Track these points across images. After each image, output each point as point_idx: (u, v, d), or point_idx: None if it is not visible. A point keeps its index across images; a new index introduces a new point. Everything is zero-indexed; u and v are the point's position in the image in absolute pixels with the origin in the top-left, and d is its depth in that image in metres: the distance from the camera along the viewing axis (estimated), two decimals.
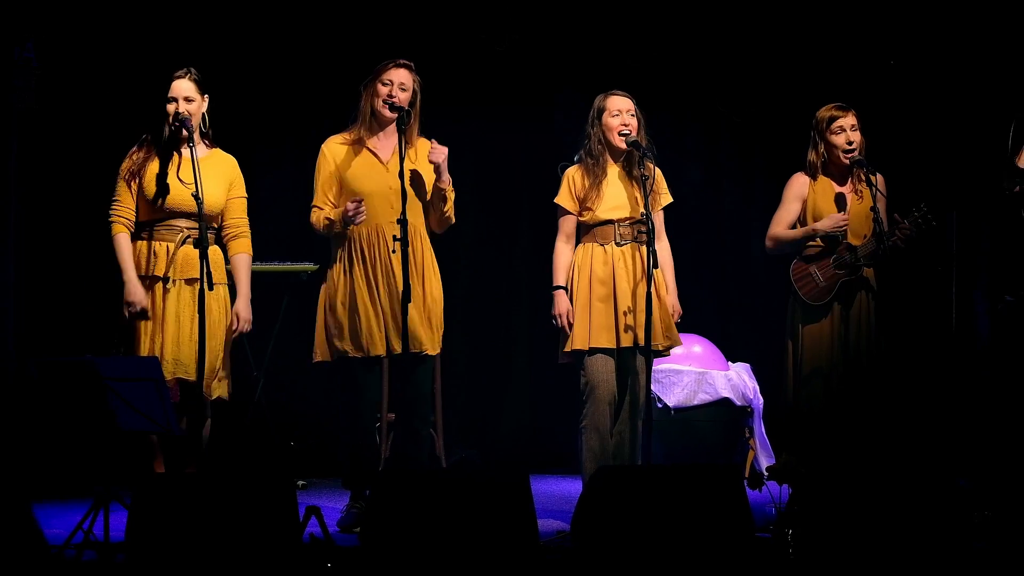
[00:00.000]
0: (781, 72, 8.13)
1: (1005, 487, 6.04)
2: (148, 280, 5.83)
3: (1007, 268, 6.56)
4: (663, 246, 6.27)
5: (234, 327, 5.92)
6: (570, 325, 6.11)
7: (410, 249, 5.84)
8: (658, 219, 6.25)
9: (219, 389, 5.91)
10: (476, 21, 7.98)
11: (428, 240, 6.08)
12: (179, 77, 5.88)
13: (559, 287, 6.15)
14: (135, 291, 5.79)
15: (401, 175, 5.76)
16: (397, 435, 6.22)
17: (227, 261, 6.05)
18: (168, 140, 5.87)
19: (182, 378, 5.79)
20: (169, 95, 5.85)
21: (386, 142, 6.05)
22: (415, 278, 5.91)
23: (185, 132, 5.75)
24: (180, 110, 5.82)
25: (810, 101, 6.62)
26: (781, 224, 6.42)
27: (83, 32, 7.25)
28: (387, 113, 5.98)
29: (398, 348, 5.90)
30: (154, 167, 5.86)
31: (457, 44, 7.96)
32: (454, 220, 6.15)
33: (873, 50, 7.90)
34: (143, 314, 5.80)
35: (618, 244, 6.12)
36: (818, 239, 6.33)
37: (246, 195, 6.05)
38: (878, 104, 7.32)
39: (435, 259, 6.11)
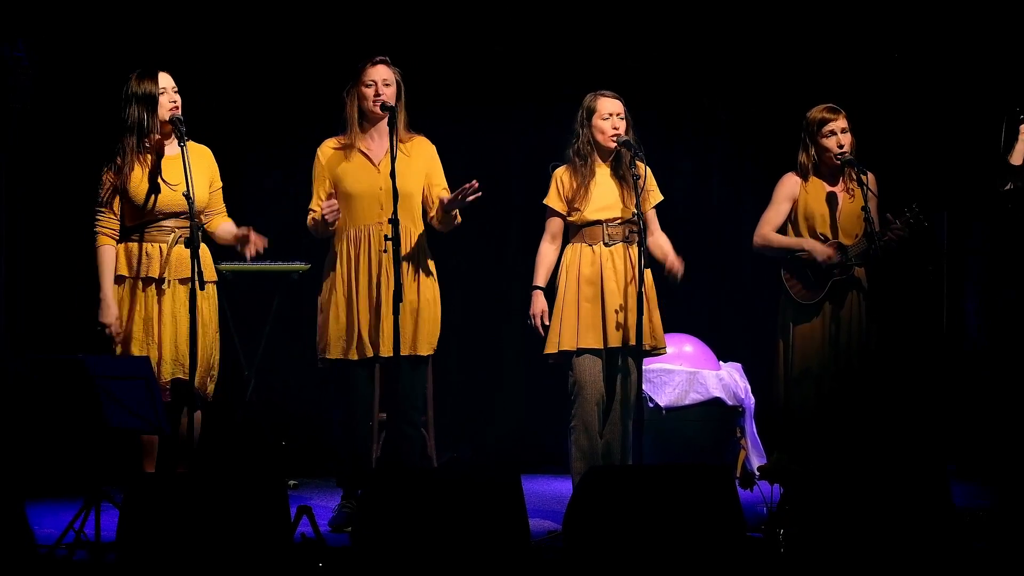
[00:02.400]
0: (772, 70, 8.13)
1: (1002, 486, 6.06)
2: (142, 281, 5.82)
3: (1003, 266, 6.57)
4: (660, 239, 6.27)
5: (253, 243, 5.88)
6: (544, 327, 6.12)
7: (400, 250, 5.81)
8: (651, 216, 6.26)
9: (212, 386, 5.93)
10: (473, 21, 7.97)
11: (422, 240, 6.07)
12: (160, 71, 5.85)
13: (537, 287, 6.17)
14: (109, 312, 5.80)
15: (393, 175, 5.76)
16: (388, 436, 6.22)
17: (217, 259, 6.05)
18: (158, 137, 5.85)
19: (177, 378, 5.78)
20: (159, 88, 5.82)
21: (379, 142, 6.04)
22: (403, 279, 5.89)
23: (176, 130, 5.75)
24: (172, 99, 5.81)
25: (802, 99, 6.62)
26: (770, 224, 6.41)
27: (78, 32, 7.25)
28: (379, 111, 5.97)
29: (384, 350, 5.90)
30: (138, 172, 5.84)
31: (453, 44, 7.96)
32: (460, 220, 6.14)
33: (864, 48, 7.91)
34: (114, 335, 5.80)
35: (606, 244, 6.13)
36: (804, 254, 6.32)
37: (221, 184, 6.06)
38: (869, 103, 7.33)
39: (430, 260, 6.10)
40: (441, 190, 6.10)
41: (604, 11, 8.09)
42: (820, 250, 6.26)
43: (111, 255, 5.86)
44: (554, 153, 6.41)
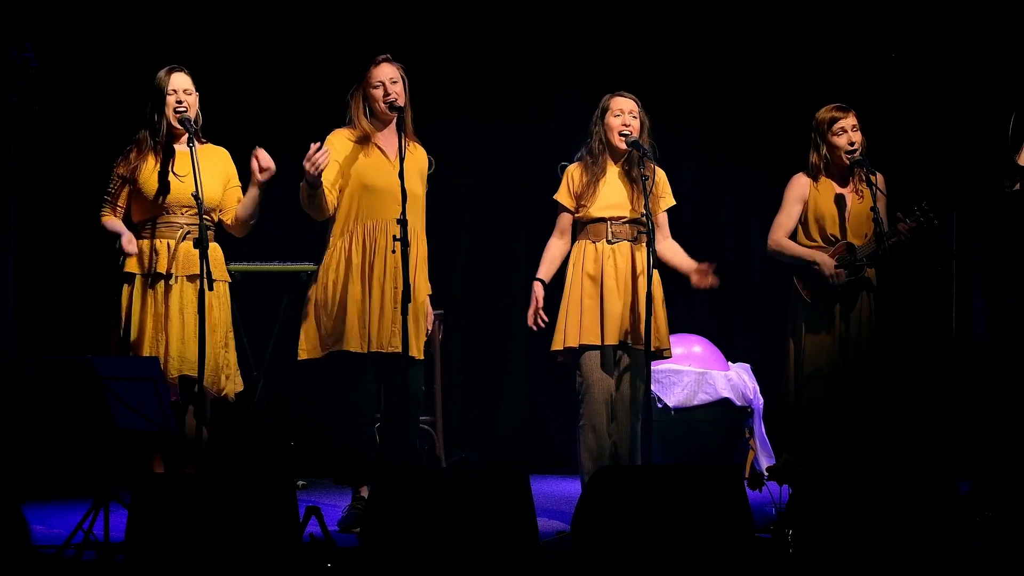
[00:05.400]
0: (778, 71, 8.13)
1: (1005, 487, 6.04)
2: (152, 278, 5.83)
3: (1007, 269, 6.55)
4: (670, 243, 6.29)
5: (259, 164, 5.83)
6: (542, 320, 6.13)
7: (409, 251, 5.81)
8: (662, 220, 6.26)
9: (229, 386, 5.92)
10: (474, 20, 7.98)
11: (424, 243, 6.07)
12: (175, 71, 5.87)
13: (536, 279, 6.19)
14: (129, 241, 5.77)
15: (401, 175, 5.75)
16: (385, 438, 6.20)
17: (229, 259, 6.05)
18: (166, 137, 5.87)
19: (186, 375, 5.78)
20: (169, 88, 5.84)
21: (391, 139, 6.00)
22: (412, 280, 5.87)
23: (186, 131, 5.75)
24: (180, 100, 5.82)
25: (808, 100, 6.62)
26: (783, 228, 6.40)
27: (81, 32, 7.26)
28: (389, 112, 5.96)
29: (388, 347, 5.89)
30: (150, 166, 5.86)
31: (454, 43, 7.97)
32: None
33: (871, 48, 7.90)
34: (134, 254, 5.78)
35: (609, 242, 6.13)
36: (819, 241, 6.33)
37: (240, 184, 6.06)
38: (877, 103, 7.33)
39: (427, 263, 6.10)
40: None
41: (607, 11, 8.09)
42: (828, 265, 6.25)
43: (115, 220, 5.88)
44: (557, 153, 6.42)
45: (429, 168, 6.15)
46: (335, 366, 6.01)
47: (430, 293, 6.18)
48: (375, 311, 5.93)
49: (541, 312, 6.16)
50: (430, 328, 6.19)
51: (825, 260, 6.27)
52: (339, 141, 6.03)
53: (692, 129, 8.42)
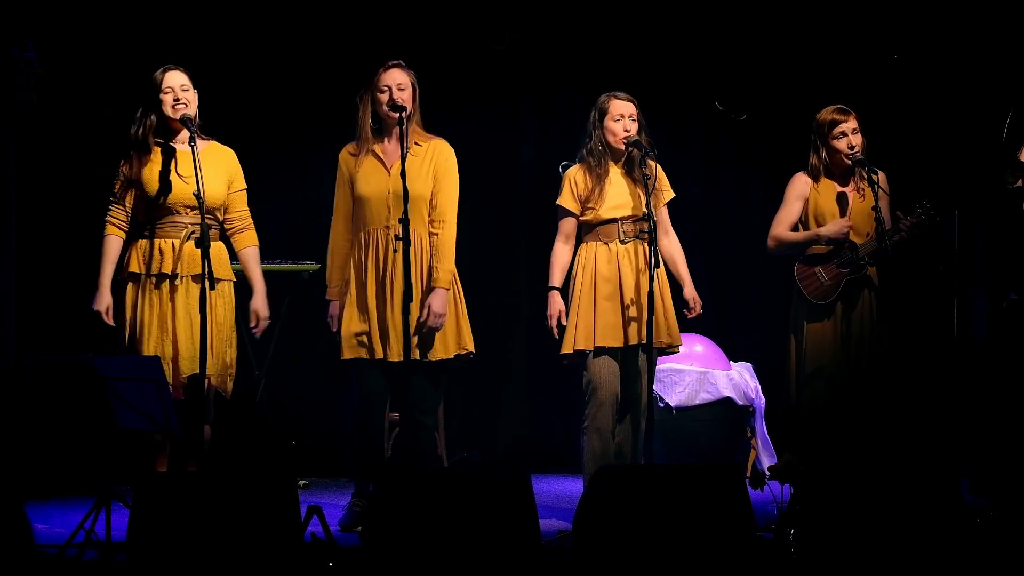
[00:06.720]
0: (780, 69, 8.12)
1: (1006, 487, 6.04)
2: (156, 278, 5.82)
3: (1008, 265, 6.56)
4: (671, 240, 6.28)
5: (254, 325, 5.95)
6: (560, 327, 6.11)
7: (410, 252, 5.80)
8: (663, 215, 6.26)
9: (229, 384, 5.93)
10: (474, 20, 7.97)
11: (432, 244, 6.04)
12: (170, 69, 5.86)
13: (553, 288, 6.16)
14: (100, 300, 5.82)
15: (403, 173, 5.75)
16: (400, 438, 6.21)
17: (233, 258, 6.05)
18: (154, 133, 5.86)
19: (195, 374, 5.78)
20: (164, 86, 5.83)
21: (394, 145, 5.97)
22: (415, 282, 5.87)
23: (187, 129, 5.75)
24: (178, 97, 5.81)
25: (809, 98, 6.62)
26: (783, 224, 6.41)
27: (83, 32, 7.26)
28: (393, 114, 5.94)
29: (393, 352, 5.89)
30: (152, 166, 5.85)
31: (455, 43, 7.96)
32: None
33: (872, 47, 7.90)
34: (107, 319, 5.83)
35: (622, 242, 6.12)
36: (822, 242, 6.33)
37: (246, 186, 6.03)
38: (878, 102, 7.33)
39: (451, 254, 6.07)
40: (439, 203, 6.01)
41: (608, 11, 8.08)
42: (831, 227, 6.25)
43: (115, 246, 5.88)
44: (557, 153, 6.42)
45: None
46: (344, 370, 6.04)
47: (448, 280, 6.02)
48: (373, 316, 5.92)
49: (562, 319, 6.14)
50: (428, 318, 5.92)
51: (830, 227, 6.26)
52: (344, 162, 6.07)
53: (693, 129, 8.41)
